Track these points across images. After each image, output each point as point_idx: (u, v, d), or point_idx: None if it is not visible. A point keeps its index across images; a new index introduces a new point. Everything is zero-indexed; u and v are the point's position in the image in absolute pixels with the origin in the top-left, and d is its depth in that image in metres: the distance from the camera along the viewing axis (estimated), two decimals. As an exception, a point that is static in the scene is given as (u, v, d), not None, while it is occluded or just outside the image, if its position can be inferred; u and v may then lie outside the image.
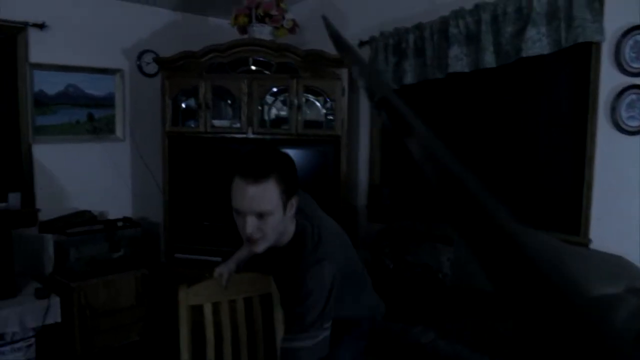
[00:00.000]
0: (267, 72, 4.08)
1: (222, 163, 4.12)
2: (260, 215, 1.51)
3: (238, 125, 4.15)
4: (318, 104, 4.14)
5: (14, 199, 4.20)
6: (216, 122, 4.22)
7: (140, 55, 4.73)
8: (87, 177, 4.49)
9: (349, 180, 4.17)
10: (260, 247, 1.59)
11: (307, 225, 1.70)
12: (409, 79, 4.06)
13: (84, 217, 4.24)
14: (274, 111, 4.25)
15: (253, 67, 4.10)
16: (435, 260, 3.71)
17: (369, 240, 4.21)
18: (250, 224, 1.51)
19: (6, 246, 3.60)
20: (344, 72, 3.95)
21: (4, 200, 4.18)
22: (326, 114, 4.11)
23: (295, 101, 4.00)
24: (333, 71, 3.96)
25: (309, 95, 4.11)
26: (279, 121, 4.23)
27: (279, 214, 1.55)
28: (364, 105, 4.52)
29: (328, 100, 4.04)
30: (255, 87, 4.06)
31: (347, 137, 4.02)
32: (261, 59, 4.08)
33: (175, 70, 4.22)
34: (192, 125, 4.28)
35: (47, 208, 4.24)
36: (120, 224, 4.35)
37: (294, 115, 4.01)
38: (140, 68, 4.74)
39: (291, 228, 1.69)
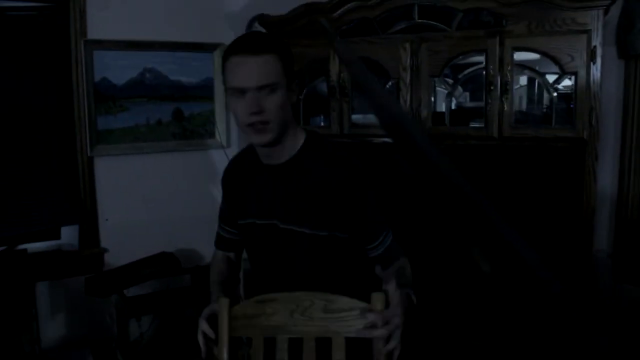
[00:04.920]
0: (445, 27, 2.35)
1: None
2: (265, 91, 1.34)
3: (394, 122, 2.47)
4: (540, 81, 2.31)
5: (70, 235, 2.91)
6: (357, 118, 2.63)
7: (250, 23, 3.24)
8: (172, 202, 3.11)
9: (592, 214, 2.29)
10: (267, 136, 1.37)
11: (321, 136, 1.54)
12: None
13: (161, 264, 2.82)
14: (457, 97, 2.48)
15: (420, 21, 2.38)
16: None
17: (618, 318, 2.37)
18: (254, 100, 1.33)
19: (26, 313, 2.26)
20: (593, 17, 2.09)
21: (56, 237, 2.91)
22: (556, 100, 2.26)
23: (498, 78, 2.22)
24: (572, 18, 2.12)
25: (525, 70, 2.29)
26: (465, 114, 2.46)
27: (284, 92, 1.37)
28: (610, 81, 2.61)
29: (561, 74, 2.19)
30: (425, 56, 2.37)
31: (597, 141, 2.15)
32: (434, 5, 2.34)
33: (293, 36, 2.65)
34: (321, 124, 2.73)
35: (116, 248, 2.92)
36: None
37: (496, 104, 2.23)
38: (250, 42, 3.24)
39: (300, 135, 1.48)
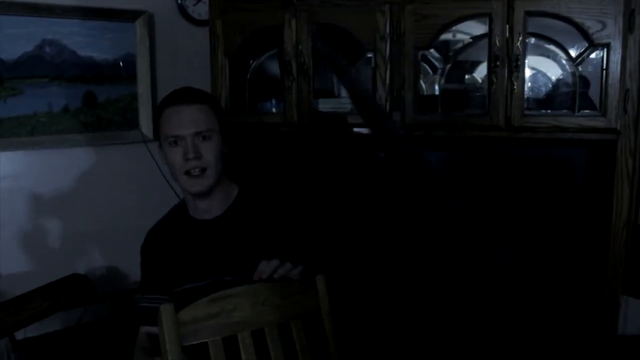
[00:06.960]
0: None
1: (331, 183, 2.12)
2: (200, 137, 1.45)
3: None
4: (561, 55, 1.83)
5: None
6: (323, 104, 2.09)
7: (181, -15, 2.68)
8: (84, 211, 2.51)
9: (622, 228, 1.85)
10: (204, 183, 1.46)
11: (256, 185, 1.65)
12: None
13: (70, 291, 2.23)
14: (447, 79, 1.96)
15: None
16: None
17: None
18: (192, 147, 1.43)
19: None
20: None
21: None
22: (581, 79, 1.78)
23: (505, 52, 1.73)
24: (601, -26, 1.65)
25: (541, 41, 1.81)
26: (459, 98, 1.95)
27: (219, 140, 1.48)
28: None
29: (589, 46, 1.71)
30: (409, 23, 1.84)
31: (633, 132, 1.70)
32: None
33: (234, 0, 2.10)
34: (273, 110, 2.23)
35: (11, 272, 2.33)
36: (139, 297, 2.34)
37: (503, 84, 1.74)
38: (182, 9, 2.69)
39: (233, 188, 1.59)
